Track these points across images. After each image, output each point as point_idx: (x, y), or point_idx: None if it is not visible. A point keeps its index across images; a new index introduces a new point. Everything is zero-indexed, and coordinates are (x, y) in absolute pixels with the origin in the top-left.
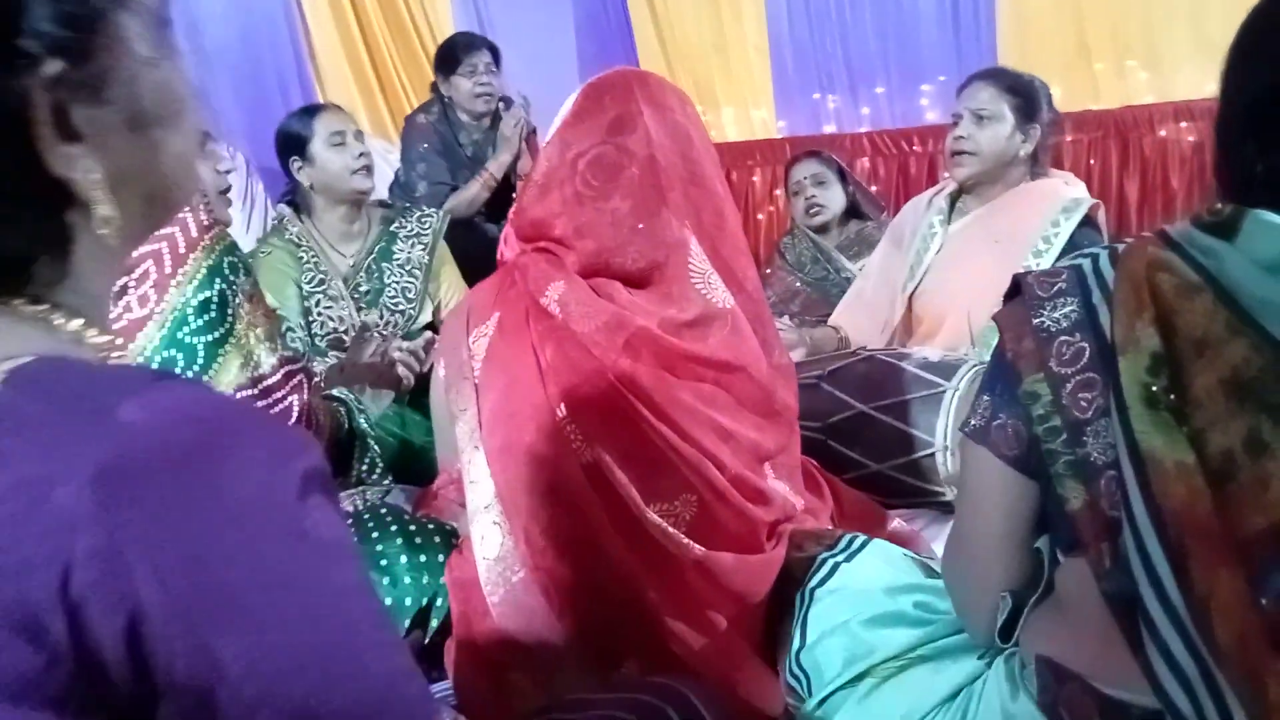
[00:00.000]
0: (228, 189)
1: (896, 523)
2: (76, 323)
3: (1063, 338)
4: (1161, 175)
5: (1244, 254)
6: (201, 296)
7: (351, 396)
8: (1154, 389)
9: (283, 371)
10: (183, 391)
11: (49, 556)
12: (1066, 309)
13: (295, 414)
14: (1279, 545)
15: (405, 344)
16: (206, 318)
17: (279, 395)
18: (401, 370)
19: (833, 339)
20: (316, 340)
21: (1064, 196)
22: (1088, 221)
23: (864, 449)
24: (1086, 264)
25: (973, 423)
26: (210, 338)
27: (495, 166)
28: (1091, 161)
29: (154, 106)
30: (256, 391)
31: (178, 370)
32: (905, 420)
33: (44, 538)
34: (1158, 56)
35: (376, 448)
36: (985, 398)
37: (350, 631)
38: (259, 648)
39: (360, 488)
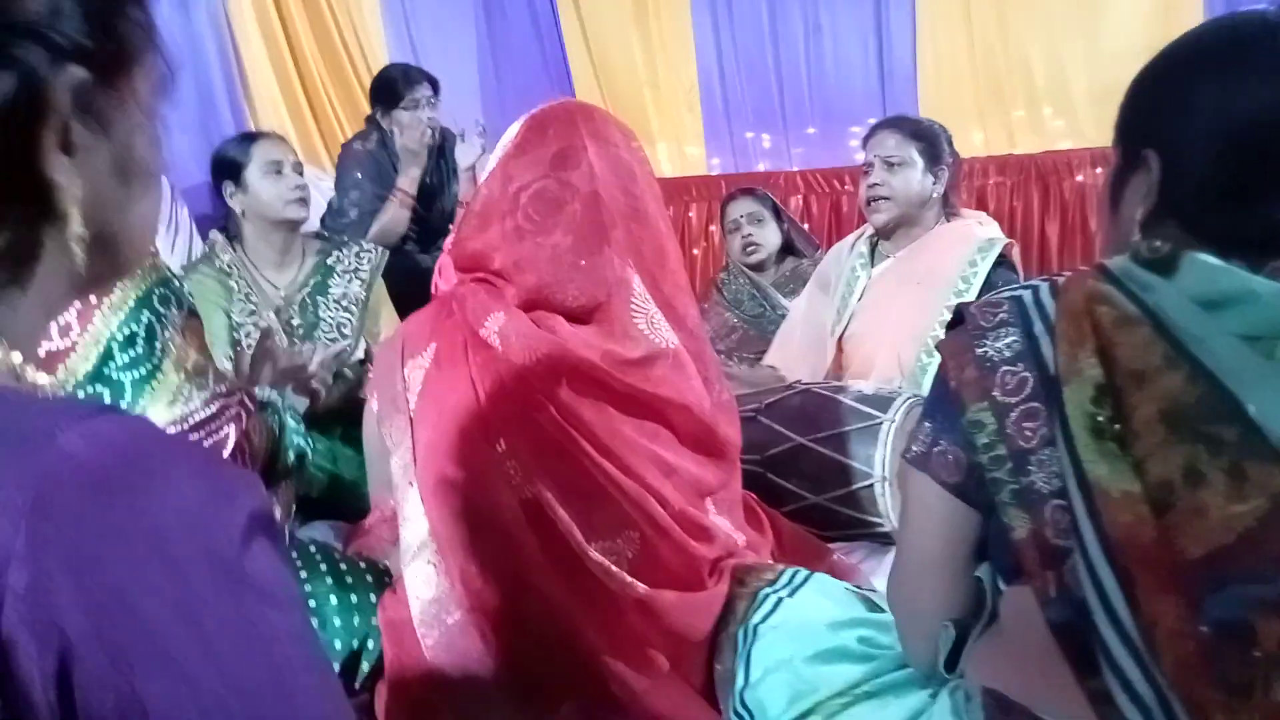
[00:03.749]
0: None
1: (836, 556)
2: (15, 357)
3: (1006, 368)
4: (1080, 218)
5: (1181, 290)
6: (128, 329)
7: (277, 397)
8: (1099, 419)
9: (216, 405)
10: (126, 423)
11: None
12: (1009, 339)
13: (230, 446)
14: (1215, 573)
15: (318, 354)
16: (133, 353)
17: (212, 427)
18: (315, 382)
19: (771, 377)
20: None
21: (979, 237)
22: (1003, 261)
23: (802, 481)
24: (1027, 295)
25: (914, 449)
26: (137, 374)
27: (406, 183)
28: (1015, 204)
29: (139, 161)
30: (186, 428)
31: None
32: (843, 452)
33: None
34: (1070, 103)
35: (299, 442)
36: (926, 425)
37: (284, 677)
38: (185, 690)
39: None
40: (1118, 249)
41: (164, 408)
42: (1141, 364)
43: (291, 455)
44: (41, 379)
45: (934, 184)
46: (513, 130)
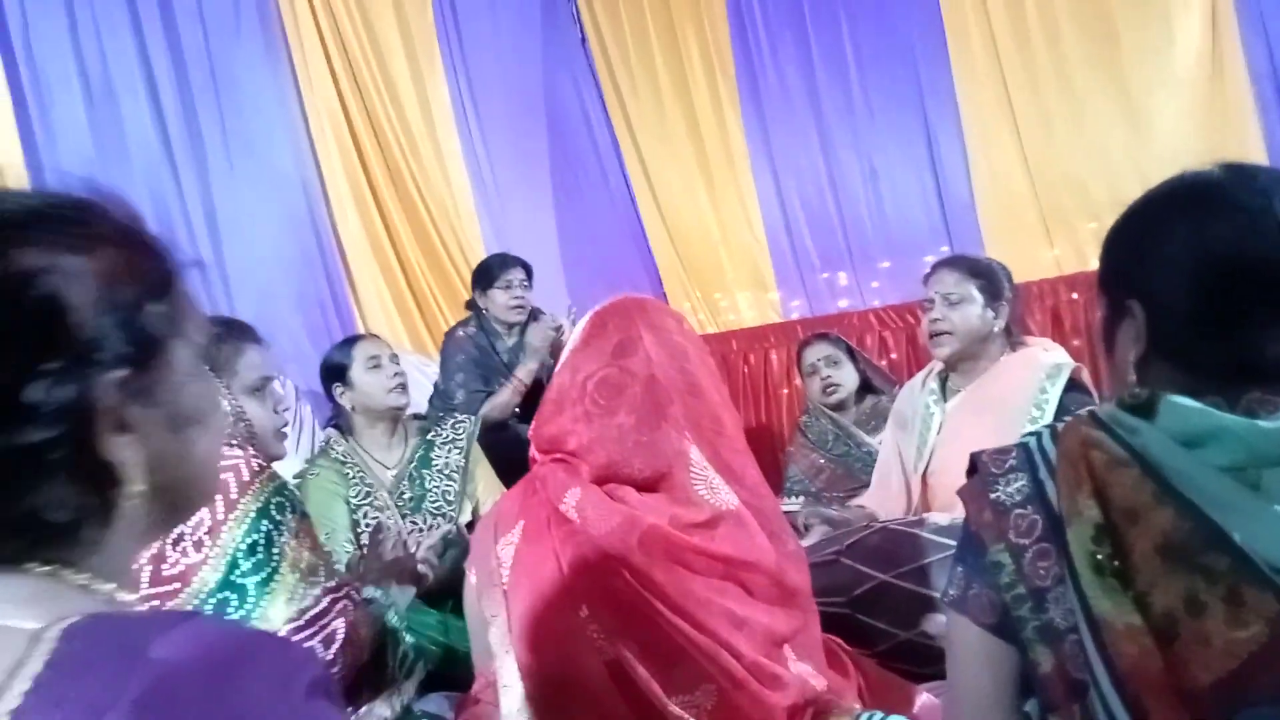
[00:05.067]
0: (284, 425)
1: (924, 696)
2: (109, 586)
3: (1017, 510)
4: None
5: (1162, 431)
6: (250, 539)
7: (380, 593)
8: (1099, 556)
9: (326, 600)
10: (202, 628)
11: None
12: (1018, 484)
13: (340, 637)
14: (1227, 697)
15: (425, 541)
16: (255, 559)
17: (324, 622)
18: (423, 567)
19: (864, 517)
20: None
21: (1045, 364)
22: (1074, 384)
23: (891, 618)
24: (1033, 442)
25: (951, 592)
26: (258, 578)
27: (524, 374)
28: (1091, 319)
29: (190, 411)
30: (302, 622)
31: (231, 608)
32: (926, 585)
33: None
34: None
35: (409, 640)
36: (959, 568)
37: None
38: None
39: (394, 687)
40: (1118, 390)
41: (282, 605)
42: (1133, 502)
43: (397, 662)
44: (129, 598)
45: (994, 318)
46: (579, 326)
